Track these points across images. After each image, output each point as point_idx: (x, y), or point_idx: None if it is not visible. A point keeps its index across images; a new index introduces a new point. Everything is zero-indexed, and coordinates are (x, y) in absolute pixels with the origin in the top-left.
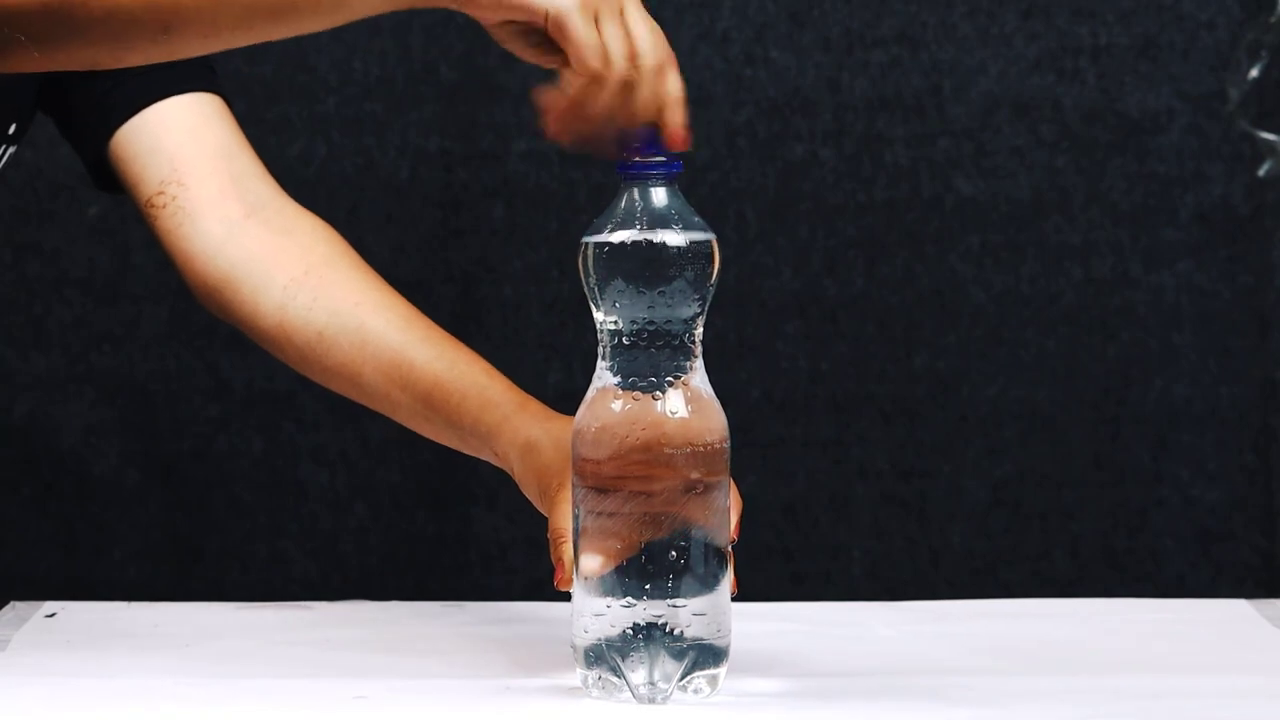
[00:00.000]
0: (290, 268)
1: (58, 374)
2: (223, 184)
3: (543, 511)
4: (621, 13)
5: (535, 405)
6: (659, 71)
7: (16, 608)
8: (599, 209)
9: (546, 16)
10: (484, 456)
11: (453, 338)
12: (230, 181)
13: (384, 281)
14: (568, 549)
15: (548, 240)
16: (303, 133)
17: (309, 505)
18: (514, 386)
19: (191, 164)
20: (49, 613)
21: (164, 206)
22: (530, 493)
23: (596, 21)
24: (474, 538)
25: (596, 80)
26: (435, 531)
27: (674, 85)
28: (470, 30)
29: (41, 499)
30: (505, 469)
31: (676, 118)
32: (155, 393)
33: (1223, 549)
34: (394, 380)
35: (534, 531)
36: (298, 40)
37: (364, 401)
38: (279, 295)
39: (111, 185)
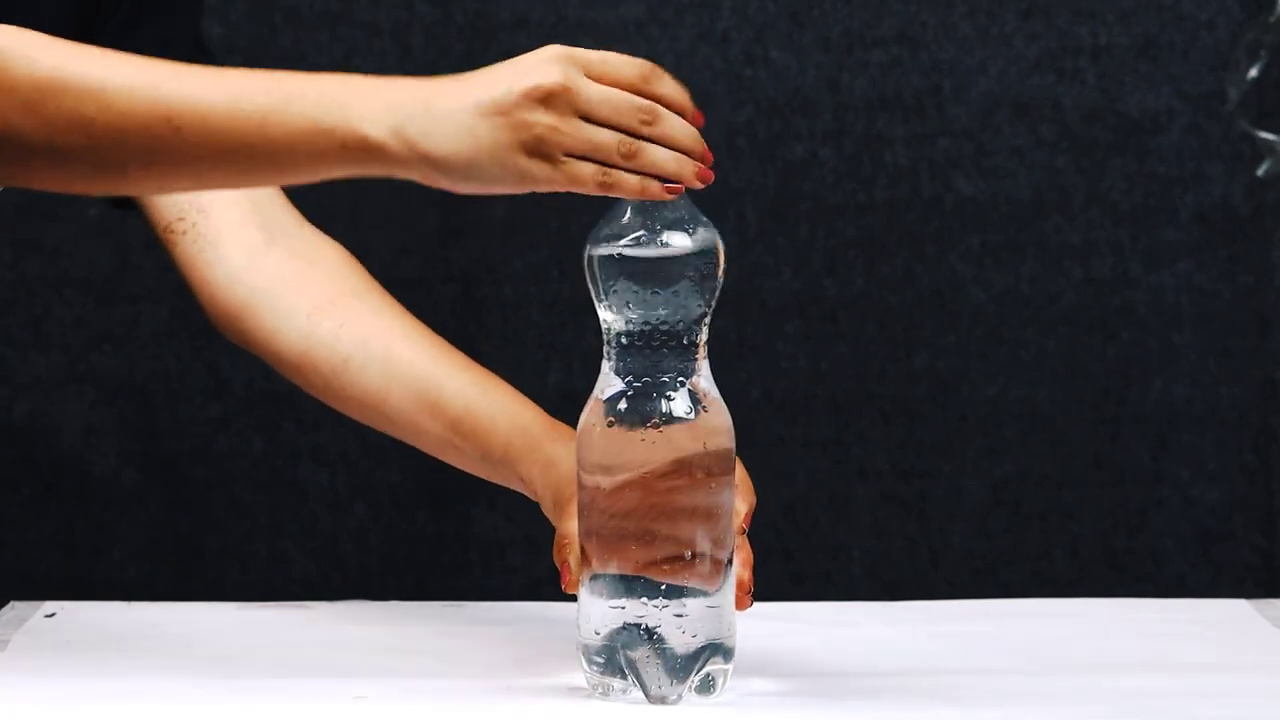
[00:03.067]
0: (314, 295)
1: (58, 374)
2: (244, 210)
3: (554, 523)
4: (577, 101)
5: (562, 427)
6: (657, 120)
7: (16, 608)
8: (600, 209)
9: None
10: (511, 485)
11: (480, 365)
12: (251, 208)
13: (407, 310)
14: (574, 551)
15: (548, 240)
16: None
17: (309, 505)
18: (545, 414)
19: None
20: (49, 613)
21: (184, 233)
22: (546, 506)
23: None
24: (474, 537)
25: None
26: (435, 531)
27: (677, 125)
28: (470, 30)
29: (41, 499)
30: (530, 494)
31: (689, 165)
32: (155, 393)
33: (1223, 549)
34: (423, 408)
35: (534, 531)
36: (297, 40)
37: (388, 430)
38: (303, 323)
39: (127, 203)
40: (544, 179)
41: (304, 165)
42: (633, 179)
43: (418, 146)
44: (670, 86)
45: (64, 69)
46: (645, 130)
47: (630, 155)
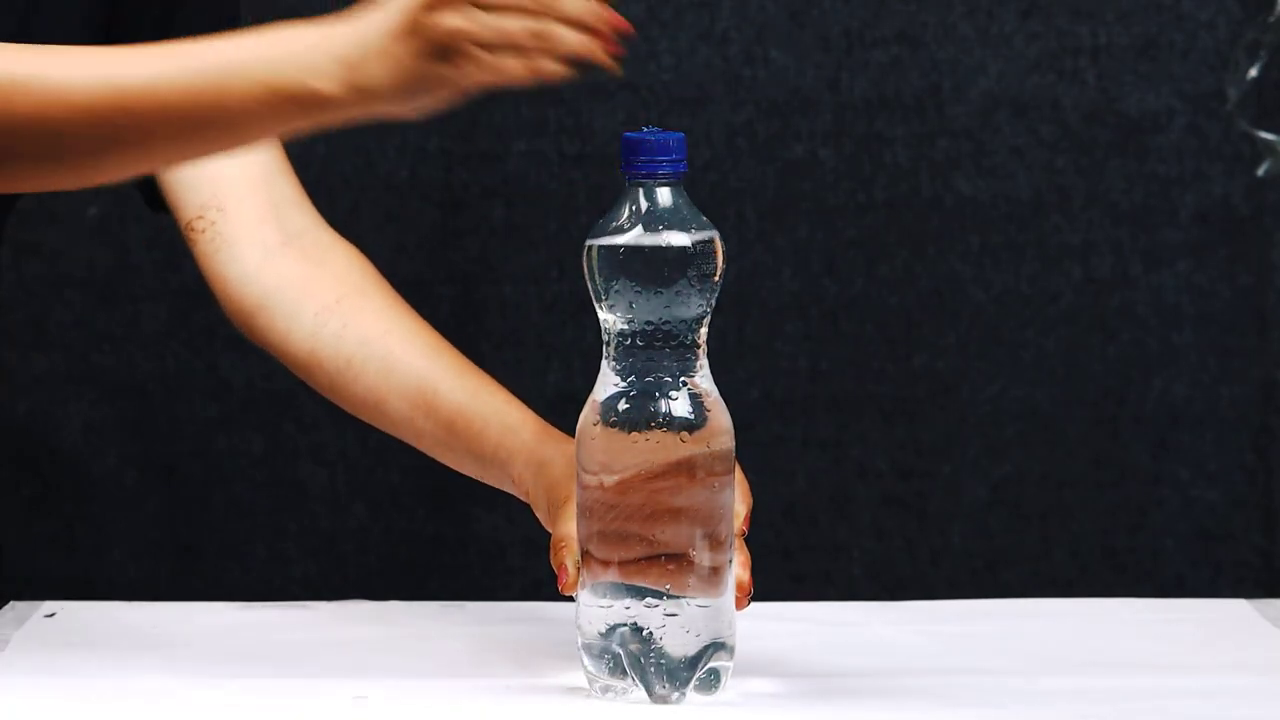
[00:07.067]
0: (322, 296)
1: (58, 374)
2: (261, 210)
3: (548, 526)
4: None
5: (554, 431)
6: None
7: (16, 608)
8: (599, 209)
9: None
10: (503, 486)
11: (477, 368)
12: (269, 208)
13: (413, 311)
14: (572, 553)
15: (548, 240)
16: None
17: (309, 505)
18: (535, 415)
19: (231, 189)
20: (49, 613)
21: (203, 231)
22: (540, 509)
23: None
24: (474, 538)
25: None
26: (435, 531)
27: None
28: None
29: (41, 499)
30: (521, 495)
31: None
32: (155, 393)
33: (1223, 549)
34: (418, 408)
35: (533, 532)
36: None
37: (390, 431)
38: (310, 323)
39: (161, 205)
40: (470, 77)
41: (259, 127)
42: (554, 64)
43: (363, 89)
44: None
45: (18, 70)
46: (545, 13)
47: (544, 38)
